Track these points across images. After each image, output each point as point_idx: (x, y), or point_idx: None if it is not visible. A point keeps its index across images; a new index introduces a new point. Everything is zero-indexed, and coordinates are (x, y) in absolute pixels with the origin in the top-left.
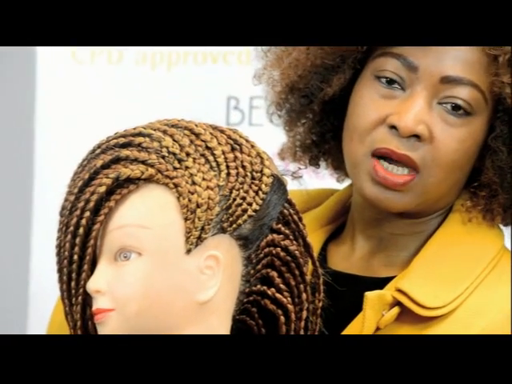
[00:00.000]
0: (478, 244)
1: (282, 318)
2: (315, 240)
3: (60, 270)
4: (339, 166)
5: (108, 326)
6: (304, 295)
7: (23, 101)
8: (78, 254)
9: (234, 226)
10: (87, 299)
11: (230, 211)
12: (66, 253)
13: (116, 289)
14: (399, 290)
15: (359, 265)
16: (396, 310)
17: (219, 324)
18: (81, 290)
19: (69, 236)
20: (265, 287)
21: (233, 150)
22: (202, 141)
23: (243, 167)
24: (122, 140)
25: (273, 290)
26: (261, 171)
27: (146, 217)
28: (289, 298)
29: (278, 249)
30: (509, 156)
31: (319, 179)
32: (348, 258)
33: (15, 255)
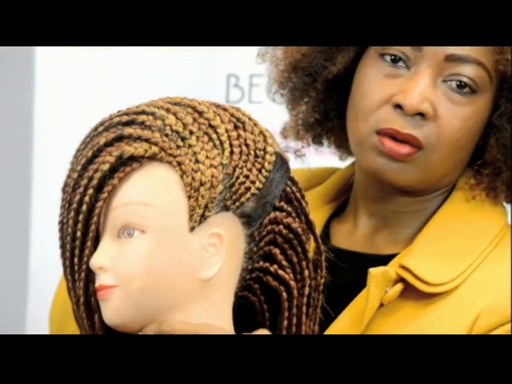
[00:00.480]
0: (482, 221)
1: (285, 295)
2: (318, 217)
3: (63, 247)
4: (342, 144)
5: (111, 303)
6: (306, 272)
7: (22, 100)
8: (81, 230)
9: (237, 204)
10: (90, 275)
11: (234, 189)
12: (69, 229)
13: (119, 265)
14: (403, 267)
15: (362, 242)
16: (399, 286)
17: (222, 301)
18: (84, 267)
19: (72, 213)
20: (267, 264)
21: (236, 128)
22: (205, 119)
23: (246, 145)
24: (124, 118)
25: (275, 266)
26: (264, 149)
27: (150, 195)
28: (291, 275)
29: (281, 226)
30: None
31: (321, 157)
32: (351, 236)
33: (14, 252)
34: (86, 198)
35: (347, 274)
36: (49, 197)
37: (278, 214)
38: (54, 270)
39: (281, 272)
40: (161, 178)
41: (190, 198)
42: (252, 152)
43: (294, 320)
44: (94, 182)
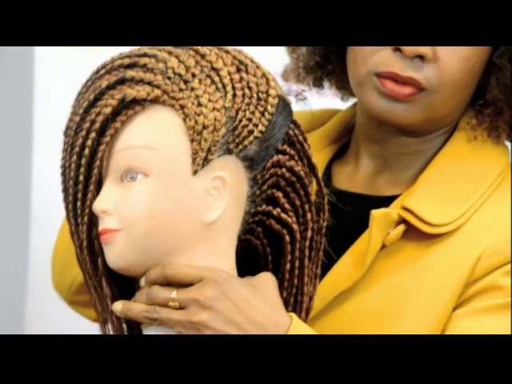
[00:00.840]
0: (484, 161)
1: (287, 238)
2: (319, 159)
3: (65, 191)
4: (343, 85)
5: (115, 246)
6: (309, 215)
7: (21, 99)
8: (84, 174)
9: (240, 147)
10: (93, 219)
11: (237, 132)
12: (72, 173)
13: (122, 209)
14: (405, 208)
15: (363, 184)
16: (401, 227)
17: (225, 244)
18: (87, 210)
19: (74, 157)
20: (270, 207)
21: (238, 70)
22: (208, 61)
23: (249, 88)
24: (126, 60)
25: (278, 210)
26: (266, 92)
27: (153, 138)
28: (294, 218)
29: (284, 169)
30: None
31: (323, 99)
32: (352, 178)
33: (14, 251)
34: (89, 142)
35: (348, 216)
36: (47, 200)
37: (280, 157)
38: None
39: (283, 215)
40: (163, 121)
41: (192, 141)
42: (255, 95)
43: (297, 263)
44: (97, 125)
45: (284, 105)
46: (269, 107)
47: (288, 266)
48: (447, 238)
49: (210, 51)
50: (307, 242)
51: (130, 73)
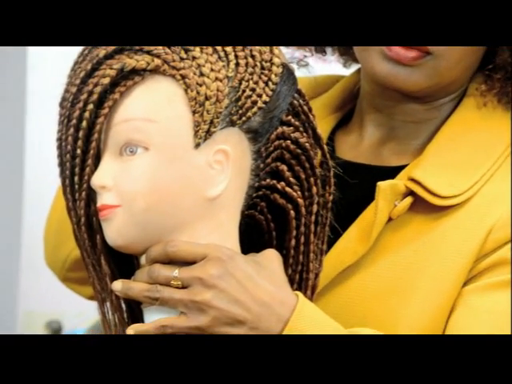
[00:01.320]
0: (494, 130)
1: (292, 213)
2: (322, 128)
3: (62, 165)
4: (346, 51)
5: (114, 222)
6: (314, 189)
7: (14, 97)
8: (81, 148)
9: (244, 118)
10: (91, 195)
11: (240, 103)
12: (69, 147)
13: (122, 184)
14: (412, 179)
15: (368, 153)
16: (409, 199)
17: (228, 220)
18: (85, 186)
19: (71, 129)
20: (274, 181)
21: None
22: None
23: (252, 57)
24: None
25: (282, 183)
26: (270, 60)
27: (153, 110)
28: (299, 192)
29: (288, 141)
30: None
31: (326, 65)
32: (356, 147)
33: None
34: (86, 114)
35: (353, 188)
36: (39, 201)
37: (285, 128)
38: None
39: (288, 189)
40: (164, 92)
41: (194, 113)
42: (258, 64)
43: (302, 239)
44: (95, 96)
45: (288, 74)
46: (273, 76)
47: (293, 242)
48: (456, 211)
49: None
50: (313, 217)
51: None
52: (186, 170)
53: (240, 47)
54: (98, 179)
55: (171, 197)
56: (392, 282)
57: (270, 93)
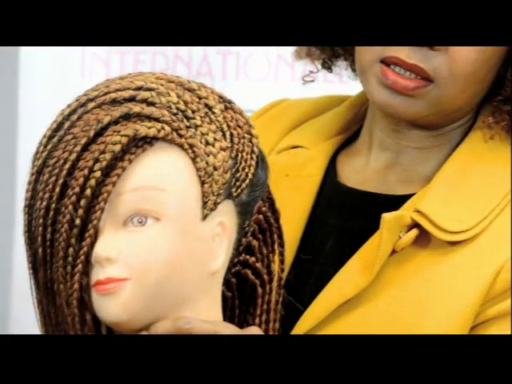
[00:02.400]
0: (503, 162)
1: (260, 290)
2: (324, 150)
3: (55, 234)
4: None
5: (121, 296)
6: (273, 265)
7: (6, 98)
8: (82, 217)
9: (239, 190)
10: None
11: (238, 175)
12: (68, 216)
13: (132, 256)
14: (418, 211)
15: (373, 179)
16: (414, 232)
17: (219, 295)
18: (82, 257)
19: (73, 197)
20: (248, 256)
21: (226, 108)
22: (199, 97)
23: (240, 127)
24: (121, 94)
25: (253, 259)
26: (250, 132)
27: (164, 179)
28: (265, 268)
29: (261, 216)
30: None
31: (328, 85)
32: (361, 171)
33: None
34: (92, 182)
35: (356, 216)
36: None
37: (261, 202)
38: None
39: (258, 265)
40: (173, 161)
41: (203, 183)
42: (245, 135)
43: (264, 317)
44: (103, 164)
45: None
46: (255, 148)
47: (257, 320)
48: (464, 247)
49: (198, 86)
50: (273, 295)
51: (136, 108)
52: (194, 242)
53: (229, 117)
54: (103, 250)
55: (181, 271)
56: (394, 318)
57: (255, 164)
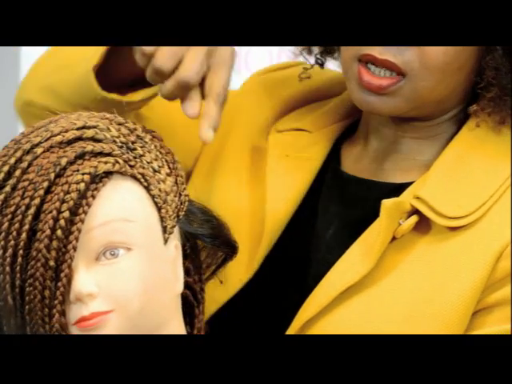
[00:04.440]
0: (503, 147)
1: (197, 310)
2: (325, 136)
3: (29, 278)
4: None
5: (107, 329)
6: (196, 277)
7: (7, 99)
8: (56, 258)
9: (182, 213)
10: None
11: (181, 199)
12: (42, 260)
13: (112, 289)
14: (418, 198)
15: (372, 168)
16: (414, 218)
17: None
18: (60, 298)
19: (45, 240)
20: (187, 277)
21: (153, 137)
22: (131, 130)
23: (168, 153)
24: (67, 135)
25: (191, 279)
26: (174, 158)
27: (128, 209)
28: (195, 277)
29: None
30: (504, 56)
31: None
32: (360, 160)
33: None
34: (62, 223)
35: (356, 204)
36: None
37: None
38: None
39: (189, 280)
40: (131, 191)
41: (160, 209)
42: (176, 162)
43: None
44: (70, 203)
45: None
46: (181, 172)
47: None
48: (463, 232)
49: (124, 120)
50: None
51: (88, 147)
52: (163, 266)
53: (158, 145)
54: (84, 287)
55: (157, 295)
56: (395, 305)
57: (186, 188)
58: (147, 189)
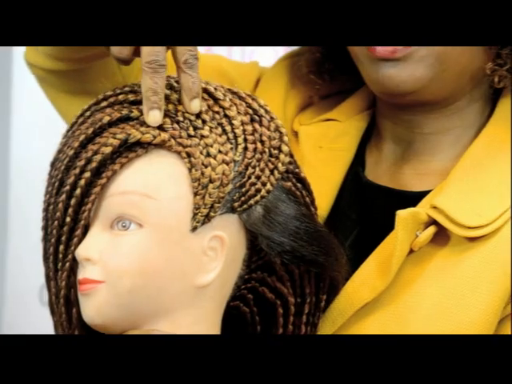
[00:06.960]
0: None
1: (281, 310)
2: (354, 126)
3: (47, 230)
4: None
5: (94, 300)
6: (307, 288)
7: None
8: (72, 216)
9: (245, 206)
10: (74, 266)
11: (243, 190)
12: (58, 213)
13: (109, 259)
14: (435, 207)
15: (389, 173)
16: (431, 229)
17: (214, 311)
18: (69, 256)
19: (63, 196)
20: (265, 274)
21: (252, 121)
22: (221, 107)
23: (262, 142)
24: (131, 96)
25: (274, 278)
26: (279, 148)
27: (153, 186)
28: (290, 289)
29: None
30: None
31: None
32: (376, 164)
33: None
34: (82, 182)
35: (373, 212)
36: (25, 206)
37: None
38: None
39: (279, 284)
40: (167, 168)
41: (196, 194)
42: (267, 150)
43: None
44: (93, 164)
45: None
46: (280, 165)
47: None
48: (485, 243)
49: (223, 96)
50: (304, 318)
51: (136, 112)
52: (179, 253)
53: (250, 130)
54: (83, 251)
55: (159, 280)
56: (415, 322)
57: (275, 182)
58: (189, 170)
